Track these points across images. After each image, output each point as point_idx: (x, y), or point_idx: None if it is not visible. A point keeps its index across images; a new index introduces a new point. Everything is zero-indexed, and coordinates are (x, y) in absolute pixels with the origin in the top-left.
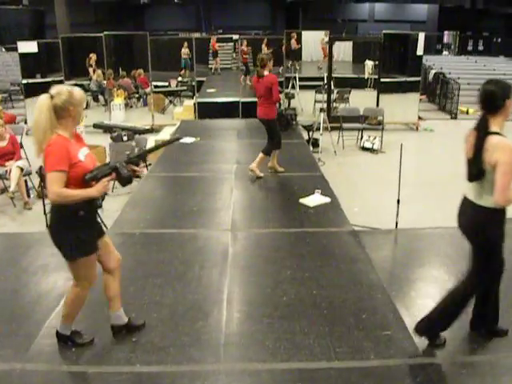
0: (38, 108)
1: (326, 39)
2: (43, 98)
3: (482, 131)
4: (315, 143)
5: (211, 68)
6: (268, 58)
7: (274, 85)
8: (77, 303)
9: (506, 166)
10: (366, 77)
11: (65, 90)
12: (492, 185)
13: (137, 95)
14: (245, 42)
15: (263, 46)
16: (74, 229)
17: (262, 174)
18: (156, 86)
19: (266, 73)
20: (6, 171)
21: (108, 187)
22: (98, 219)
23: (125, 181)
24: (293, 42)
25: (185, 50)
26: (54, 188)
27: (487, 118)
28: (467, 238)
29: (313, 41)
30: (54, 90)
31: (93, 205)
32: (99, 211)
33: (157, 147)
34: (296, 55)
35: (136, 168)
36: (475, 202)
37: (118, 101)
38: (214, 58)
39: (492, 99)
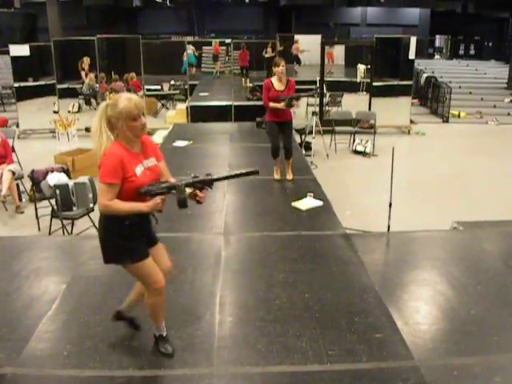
0: (96, 115)
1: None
2: (101, 105)
3: None
4: (308, 147)
5: (212, 72)
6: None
7: (263, 89)
8: (156, 309)
9: None
10: (358, 80)
11: (113, 100)
12: None
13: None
14: (243, 45)
15: (268, 48)
16: (119, 236)
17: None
18: (148, 90)
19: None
20: None
21: (161, 205)
22: (152, 227)
23: (179, 204)
24: (268, 50)
25: (192, 47)
26: (103, 200)
27: None
28: None
29: (305, 45)
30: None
31: (142, 217)
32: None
33: (227, 177)
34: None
35: (199, 193)
36: None
37: None
38: (215, 61)
39: None
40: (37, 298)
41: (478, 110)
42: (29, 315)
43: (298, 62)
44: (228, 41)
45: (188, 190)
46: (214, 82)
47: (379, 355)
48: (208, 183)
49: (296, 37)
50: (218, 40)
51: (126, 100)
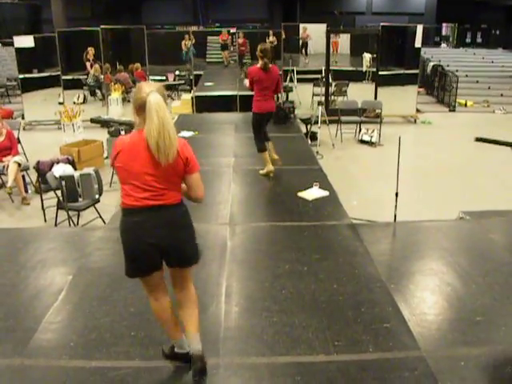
0: (160, 108)
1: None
2: (158, 98)
3: None
4: (313, 136)
5: (219, 62)
6: (271, 49)
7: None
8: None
9: None
10: (364, 70)
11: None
12: None
13: (134, 89)
14: (241, 34)
15: (271, 37)
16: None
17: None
18: (153, 80)
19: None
20: (4, 166)
21: None
22: None
23: None
24: (272, 38)
25: (186, 43)
26: (202, 188)
27: None
28: None
29: (312, 34)
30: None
31: None
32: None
33: None
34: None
35: None
36: None
37: (116, 95)
38: (223, 50)
39: None
40: (43, 289)
41: (485, 99)
42: (35, 306)
43: (306, 50)
44: (233, 30)
45: None
46: (219, 72)
47: (385, 345)
48: None
49: (302, 26)
50: (225, 29)
51: (145, 88)
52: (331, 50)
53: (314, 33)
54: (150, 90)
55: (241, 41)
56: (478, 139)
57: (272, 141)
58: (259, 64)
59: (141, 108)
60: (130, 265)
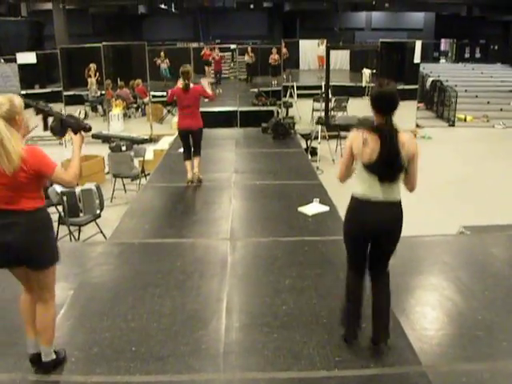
0: None
1: (322, 47)
2: None
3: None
4: (313, 152)
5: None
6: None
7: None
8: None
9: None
10: (363, 85)
11: (4, 100)
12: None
13: (135, 105)
14: (217, 50)
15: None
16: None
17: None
18: (154, 96)
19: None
20: None
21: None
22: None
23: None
24: (274, 57)
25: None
26: (67, 176)
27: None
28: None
29: (310, 50)
30: None
31: None
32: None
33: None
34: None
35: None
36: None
37: (117, 111)
38: (207, 66)
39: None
40: None
41: (485, 114)
42: None
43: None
44: (233, 46)
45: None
46: (217, 88)
47: (387, 361)
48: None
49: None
50: (208, 46)
51: (14, 96)
52: (319, 65)
53: (309, 49)
54: None
55: (216, 57)
56: None
57: (199, 158)
58: (180, 84)
59: None
60: None
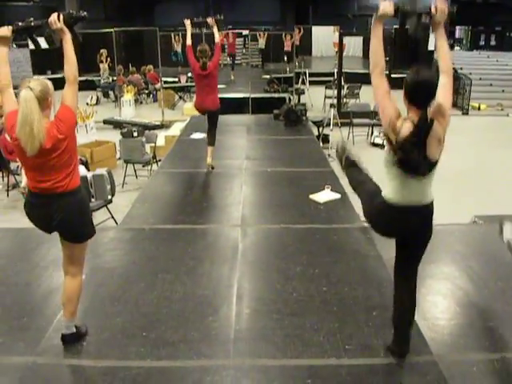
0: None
1: (337, 34)
2: (25, 92)
3: None
4: (325, 139)
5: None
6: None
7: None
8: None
9: None
10: None
11: (38, 82)
12: None
13: (147, 91)
14: (230, 33)
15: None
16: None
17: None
18: (166, 82)
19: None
20: (18, 166)
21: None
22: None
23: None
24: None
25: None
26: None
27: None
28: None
29: (323, 36)
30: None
31: None
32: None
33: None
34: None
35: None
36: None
37: (128, 97)
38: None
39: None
40: (56, 289)
41: (499, 102)
42: (48, 305)
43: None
44: (245, 32)
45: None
46: (230, 74)
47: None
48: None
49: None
50: (221, 32)
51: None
52: (335, 52)
53: (321, 35)
54: (26, 86)
55: (231, 40)
56: None
57: (213, 148)
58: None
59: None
60: None
